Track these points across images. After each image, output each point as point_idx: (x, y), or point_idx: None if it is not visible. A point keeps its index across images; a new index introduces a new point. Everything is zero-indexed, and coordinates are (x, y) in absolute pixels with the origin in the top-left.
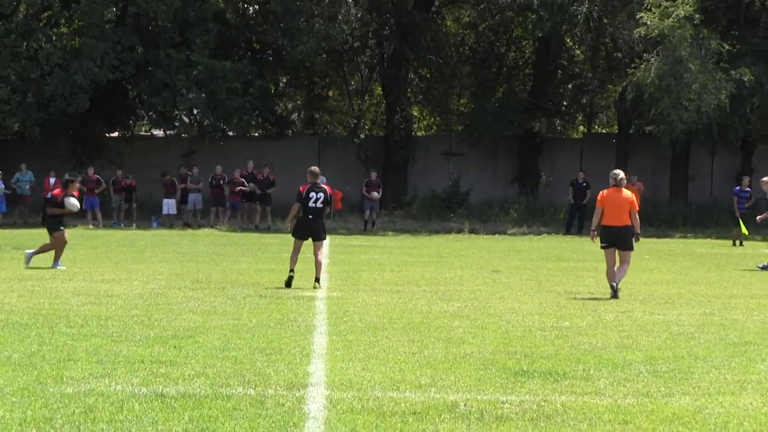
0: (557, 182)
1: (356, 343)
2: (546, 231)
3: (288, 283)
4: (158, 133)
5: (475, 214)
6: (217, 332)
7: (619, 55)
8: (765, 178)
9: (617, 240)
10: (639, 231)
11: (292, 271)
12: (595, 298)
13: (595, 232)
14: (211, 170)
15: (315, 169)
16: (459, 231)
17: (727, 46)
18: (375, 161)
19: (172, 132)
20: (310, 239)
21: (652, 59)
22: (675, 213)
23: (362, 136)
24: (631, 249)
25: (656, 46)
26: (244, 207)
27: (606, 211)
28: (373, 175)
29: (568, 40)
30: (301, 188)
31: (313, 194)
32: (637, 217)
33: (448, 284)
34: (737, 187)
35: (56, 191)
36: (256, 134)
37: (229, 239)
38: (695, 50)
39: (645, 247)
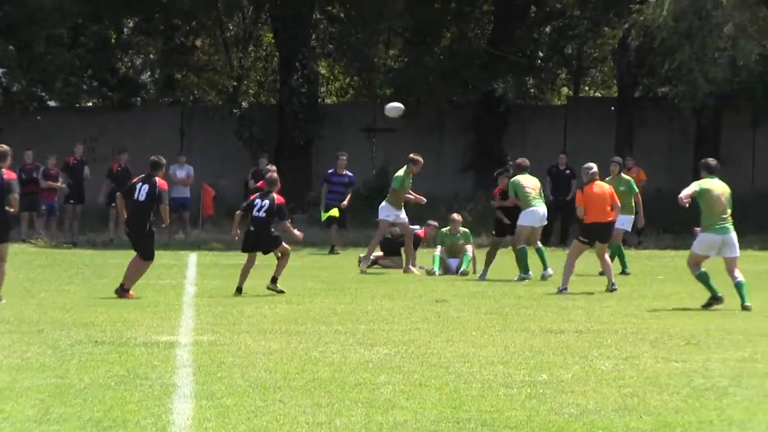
0: (530, 169)
1: (236, 410)
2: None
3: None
4: None
5: (411, 216)
6: (31, 396)
7: None
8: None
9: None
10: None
11: (239, 289)
12: (583, 338)
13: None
14: (19, 157)
15: (273, 176)
16: None
17: None
18: (265, 142)
19: None
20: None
21: None
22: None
23: (245, 104)
24: None
25: None
26: (69, 210)
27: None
28: (263, 162)
29: None
30: (251, 195)
31: (258, 201)
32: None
33: (372, 321)
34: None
35: None
36: (90, 104)
37: (51, 258)
38: None
39: (658, 263)
